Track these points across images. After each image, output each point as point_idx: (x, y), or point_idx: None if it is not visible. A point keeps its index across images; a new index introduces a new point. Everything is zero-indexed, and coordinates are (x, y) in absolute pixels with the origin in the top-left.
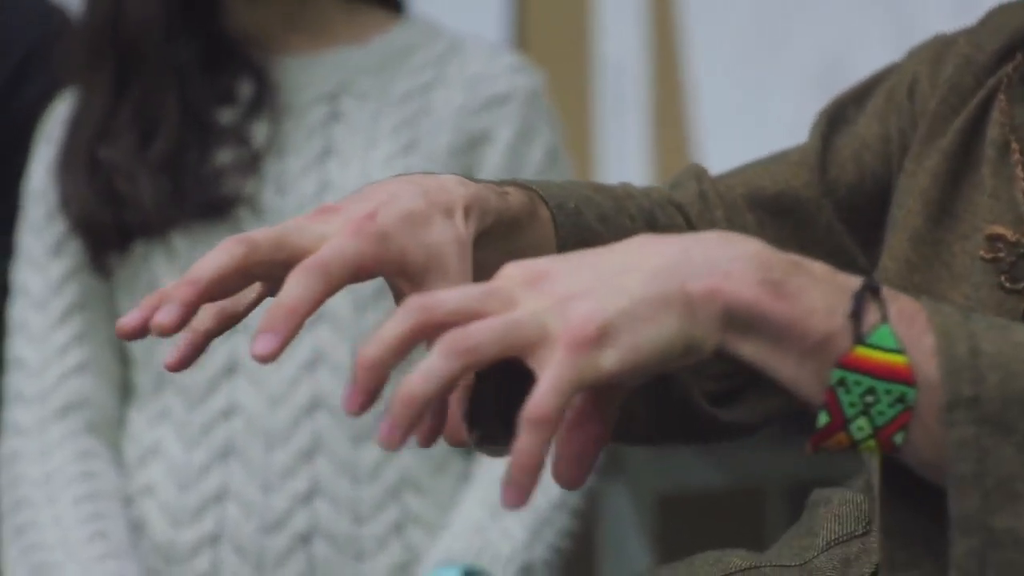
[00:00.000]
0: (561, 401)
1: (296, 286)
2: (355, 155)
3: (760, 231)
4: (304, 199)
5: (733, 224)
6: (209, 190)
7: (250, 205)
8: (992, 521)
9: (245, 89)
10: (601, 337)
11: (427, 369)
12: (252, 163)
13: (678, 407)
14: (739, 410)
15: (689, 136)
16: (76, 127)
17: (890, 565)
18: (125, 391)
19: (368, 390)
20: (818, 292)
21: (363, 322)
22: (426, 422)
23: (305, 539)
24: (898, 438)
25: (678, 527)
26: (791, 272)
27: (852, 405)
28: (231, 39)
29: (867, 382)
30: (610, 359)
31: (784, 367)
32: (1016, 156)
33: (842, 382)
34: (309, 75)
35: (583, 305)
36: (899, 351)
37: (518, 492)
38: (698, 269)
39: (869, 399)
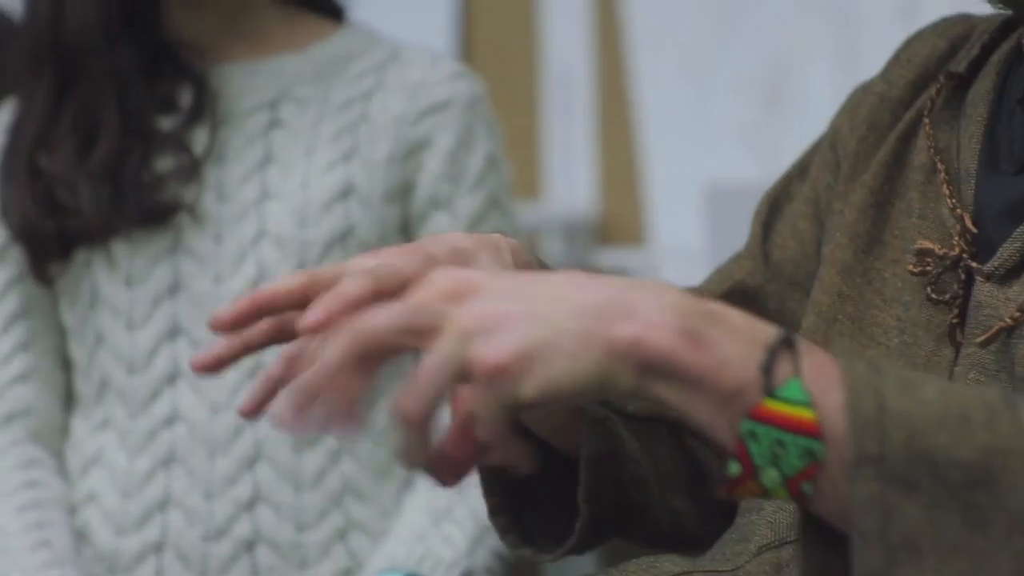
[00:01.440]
0: (491, 428)
1: (348, 283)
2: (295, 162)
3: None
4: (244, 206)
5: None
6: (149, 198)
7: (190, 212)
8: None
9: (185, 96)
10: (520, 367)
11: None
12: (192, 170)
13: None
14: None
15: (635, 142)
16: (16, 135)
17: None
18: (68, 399)
19: (302, 411)
20: (734, 343)
21: None
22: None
23: (248, 546)
24: (807, 488)
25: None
26: (708, 323)
27: (762, 456)
28: (171, 47)
29: (776, 433)
30: (527, 389)
31: (699, 414)
32: (942, 176)
33: (752, 433)
34: (249, 82)
35: (506, 334)
36: (808, 405)
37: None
38: (623, 313)
39: (778, 450)
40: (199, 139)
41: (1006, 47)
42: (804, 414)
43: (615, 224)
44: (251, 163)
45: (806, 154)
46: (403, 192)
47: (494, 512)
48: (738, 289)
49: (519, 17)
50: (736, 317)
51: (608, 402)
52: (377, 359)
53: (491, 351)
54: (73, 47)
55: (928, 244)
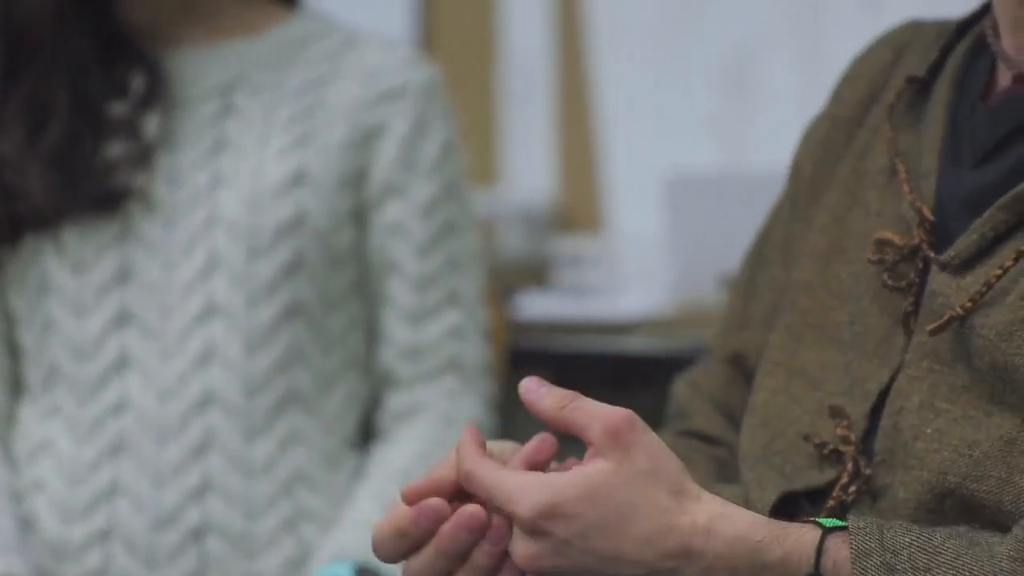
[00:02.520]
0: None
1: None
2: (248, 148)
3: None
4: (196, 192)
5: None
6: (100, 183)
7: (141, 198)
8: None
9: (137, 81)
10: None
11: None
12: (143, 156)
13: None
14: None
15: (595, 130)
16: None
17: None
18: (15, 386)
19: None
20: None
21: (256, 317)
22: None
23: (197, 535)
24: None
25: None
26: (742, 565)
27: None
28: (123, 31)
29: None
30: None
31: None
32: (903, 175)
33: None
34: (202, 67)
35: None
36: None
37: None
38: None
39: None
40: (151, 125)
41: (962, 48)
42: None
43: (574, 211)
44: (203, 149)
45: (768, 215)
46: (357, 179)
47: None
48: (736, 358)
49: (480, 4)
50: (775, 559)
51: None
52: None
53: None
54: (24, 30)
55: (888, 235)
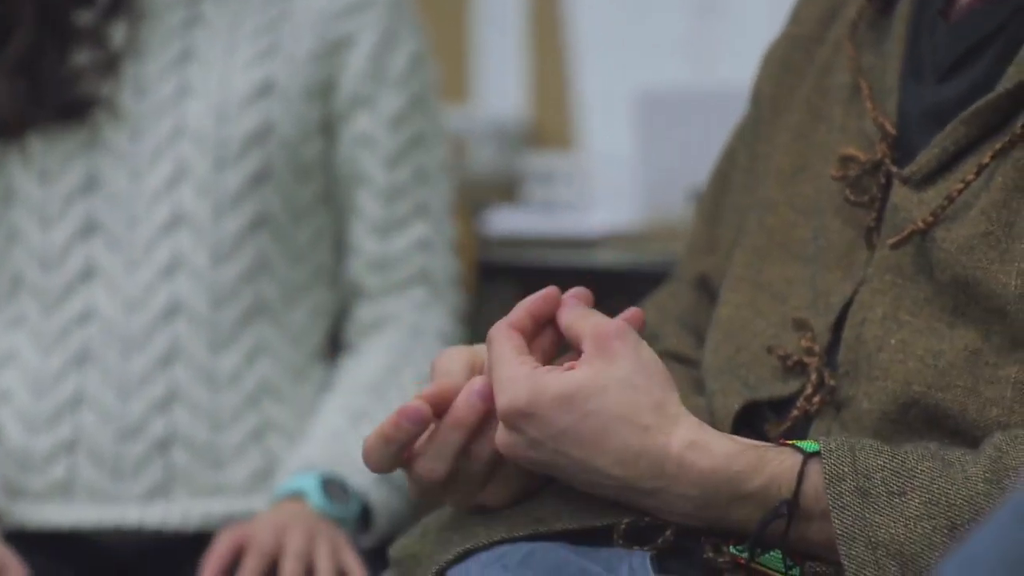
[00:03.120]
0: None
1: None
2: (215, 59)
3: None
4: (163, 102)
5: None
6: (66, 92)
7: (108, 107)
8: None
9: None
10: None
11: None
12: (110, 65)
13: None
14: None
15: (566, 47)
16: None
17: None
18: None
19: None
20: (742, 511)
21: (223, 227)
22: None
23: (163, 446)
24: None
25: None
26: (727, 503)
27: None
28: None
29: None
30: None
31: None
32: (866, 92)
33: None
34: None
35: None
36: (783, 572)
37: None
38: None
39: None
40: (117, 34)
41: None
42: None
43: (545, 128)
44: (170, 59)
45: (731, 138)
46: (325, 90)
47: None
48: (703, 281)
49: None
50: (753, 489)
51: None
52: None
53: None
54: None
55: (851, 151)
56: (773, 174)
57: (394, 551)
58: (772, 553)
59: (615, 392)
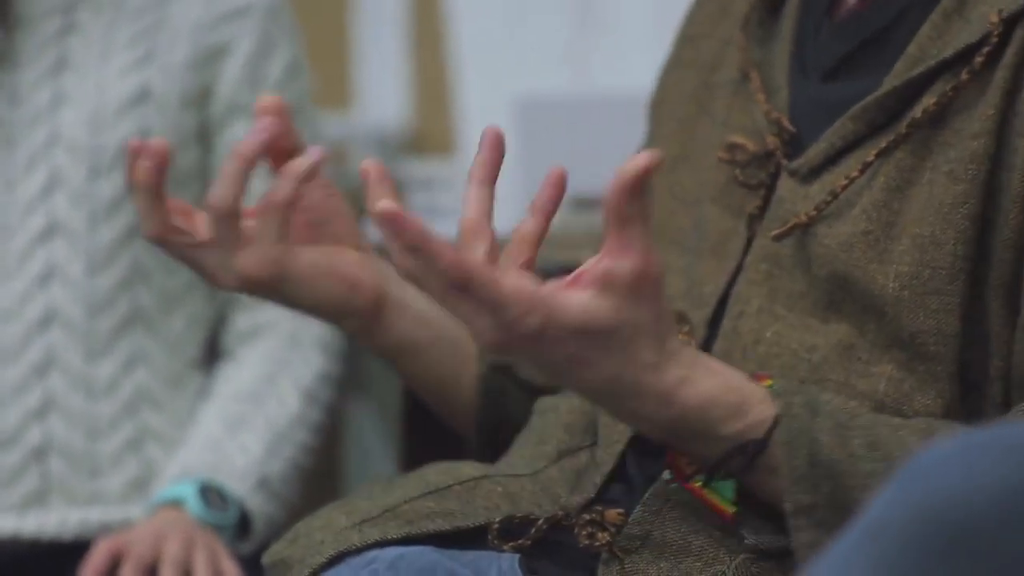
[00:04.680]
0: None
1: None
2: (90, 67)
3: None
4: (38, 111)
5: None
6: None
7: None
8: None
9: None
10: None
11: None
12: None
13: None
14: None
15: (447, 53)
16: None
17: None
18: None
19: None
20: (703, 447)
21: (98, 236)
22: None
23: (39, 455)
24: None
25: (424, 441)
26: (688, 436)
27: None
28: None
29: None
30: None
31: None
32: (757, 84)
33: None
34: None
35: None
36: (734, 503)
37: None
38: (622, 405)
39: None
40: None
41: None
42: (727, 509)
43: (426, 135)
44: (44, 68)
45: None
46: (201, 98)
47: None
48: None
49: None
50: (727, 434)
51: (509, 367)
52: None
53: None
54: None
55: (740, 140)
56: (665, 141)
57: (267, 557)
58: (726, 482)
59: (631, 334)
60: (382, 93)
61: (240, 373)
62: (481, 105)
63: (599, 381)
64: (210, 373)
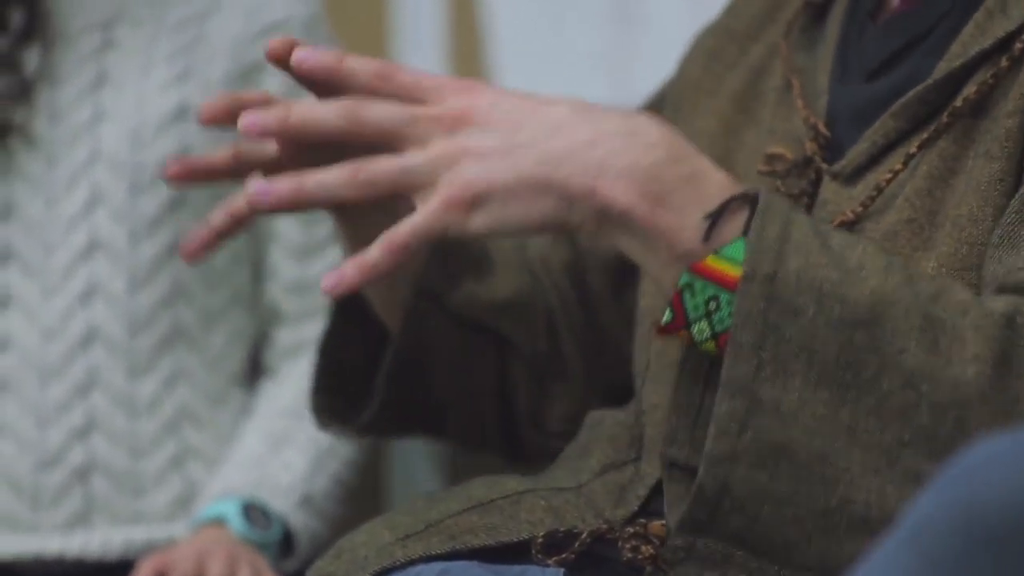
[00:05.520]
0: (418, 242)
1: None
2: (129, 83)
3: None
4: (78, 127)
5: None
6: None
7: (22, 134)
8: (759, 390)
9: (15, 15)
10: (474, 202)
11: (323, 179)
12: (23, 91)
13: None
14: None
15: (488, 68)
16: None
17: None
18: None
19: (269, 130)
20: (696, 210)
21: (139, 253)
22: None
23: (82, 475)
24: None
25: (468, 455)
26: (680, 186)
27: (695, 308)
28: None
29: (712, 290)
30: (476, 223)
31: (650, 266)
32: (797, 91)
33: (689, 286)
34: (83, 1)
35: (472, 169)
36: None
37: (339, 278)
38: (590, 166)
39: (712, 306)
40: (30, 59)
41: None
42: (738, 272)
43: None
44: (84, 84)
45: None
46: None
47: (316, 390)
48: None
49: None
50: (714, 182)
51: (439, 296)
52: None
53: (453, 186)
54: None
55: (779, 150)
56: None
57: (311, 573)
58: (736, 242)
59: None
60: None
61: (282, 390)
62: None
63: (578, 143)
64: (252, 390)
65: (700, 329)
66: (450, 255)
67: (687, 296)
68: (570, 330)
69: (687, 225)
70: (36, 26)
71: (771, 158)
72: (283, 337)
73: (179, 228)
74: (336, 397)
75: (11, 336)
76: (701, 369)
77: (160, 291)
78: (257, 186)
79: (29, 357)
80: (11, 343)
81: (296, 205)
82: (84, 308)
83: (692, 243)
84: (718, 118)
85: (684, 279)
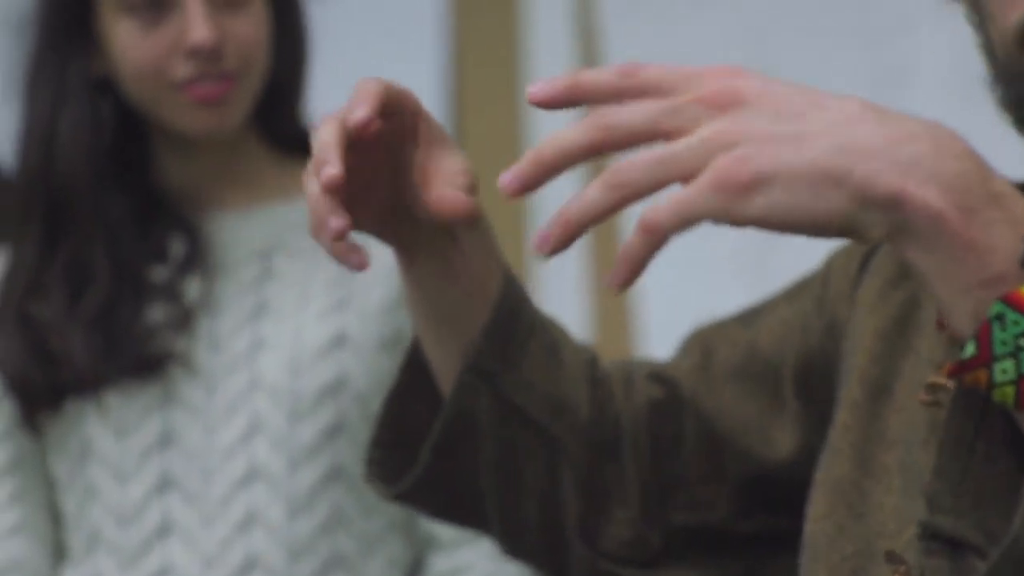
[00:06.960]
0: (680, 223)
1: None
2: (288, 312)
3: None
4: (237, 356)
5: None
6: (141, 347)
7: (182, 363)
8: None
9: (177, 246)
10: (753, 184)
11: (584, 197)
12: (184, 320)
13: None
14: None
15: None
16: (8, 283)
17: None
18: (58, 552)
19: (525, 178)
20: (1010, 231)
21: (298, 481)
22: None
23: None
24: None
25: None
26: (990, 204)
27: (1004, 343)
28: (163, 194)
29: None
30: (755, 207)
31: (946, 287)
32: None
33: (1000, 317)
34: (242, 232)
35: (752, 150)
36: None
37: (616, 275)
38: (897, 164)
39: (1023, 342)
40: (191, 289)
41: None
42: None
43: (607, 353)
44: (243, 313)
45: (757, 306)
46: (396, 341)
47: (374, 441)
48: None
49: (507, 104)
50: (1019, 205)
51: (492, 375)
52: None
53: (730, 165)
54: (63, 194)
55: (941, 380)
56: (857, 376)
57: None
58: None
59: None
60: (560, 311)
61: None
62: (661, 325)
63: (882, 138)
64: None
65: (1003, 368)
66: (511, 341)
67: (996, 328)
68: (636, 461)
69: (998, 246)
70: (197, 256)
71: (933, 387)
72: (438, 563)
73: (337, 455)
74: (391, 453)
75: (172, 564)
76: (968, 427)
77: (319, 518)
78: (537, 234)
79: None
80: (172, 571)
81: (572, 238)
82: (243, 536)
83: (1005, 266)
84: (879, 336)
85: (996, 308)
